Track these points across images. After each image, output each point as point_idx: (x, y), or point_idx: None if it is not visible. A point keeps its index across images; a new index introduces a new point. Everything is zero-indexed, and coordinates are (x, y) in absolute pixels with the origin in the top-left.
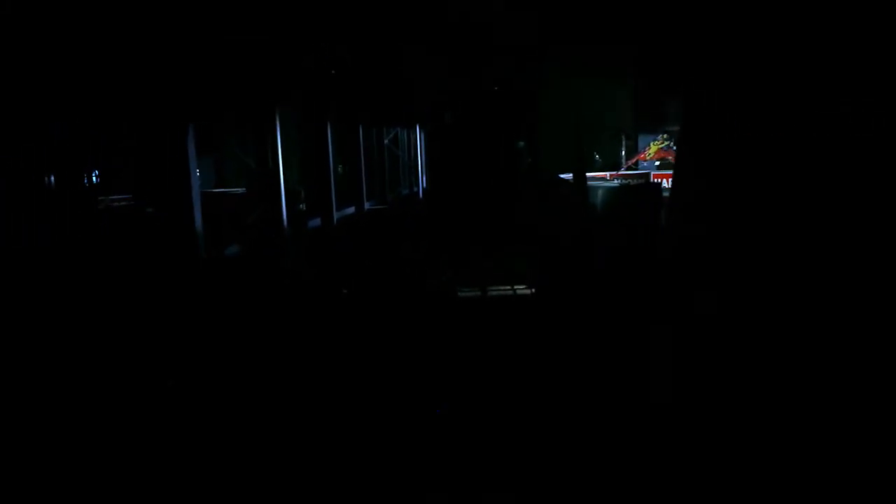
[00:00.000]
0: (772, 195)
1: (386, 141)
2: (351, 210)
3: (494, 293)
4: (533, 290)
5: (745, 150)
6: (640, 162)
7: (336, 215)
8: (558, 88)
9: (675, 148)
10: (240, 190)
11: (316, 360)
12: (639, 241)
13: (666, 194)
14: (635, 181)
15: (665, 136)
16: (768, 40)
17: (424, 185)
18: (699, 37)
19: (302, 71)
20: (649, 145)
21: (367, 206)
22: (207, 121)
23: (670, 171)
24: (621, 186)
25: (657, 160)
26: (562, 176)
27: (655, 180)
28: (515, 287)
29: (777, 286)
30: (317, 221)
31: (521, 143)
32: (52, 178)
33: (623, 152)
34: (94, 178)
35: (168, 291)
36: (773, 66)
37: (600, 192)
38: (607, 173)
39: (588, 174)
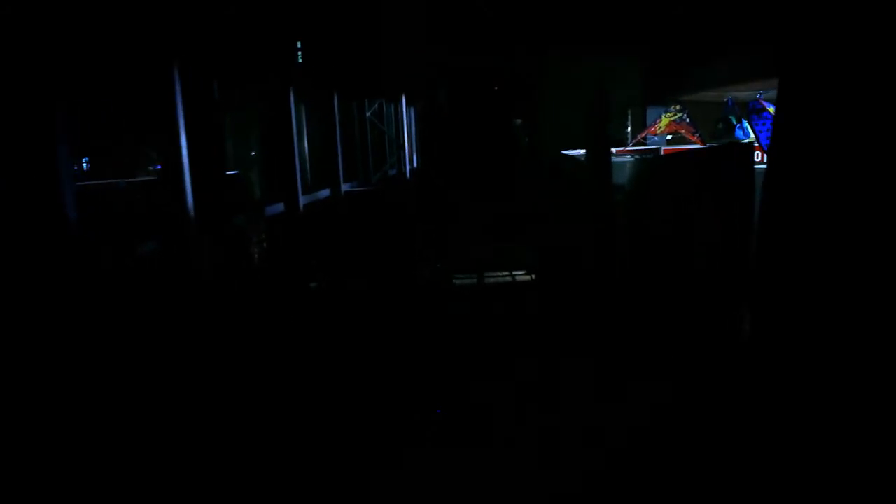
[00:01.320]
0: None
1: (368, 114)
2: (326, 193)
3: (492, 280)
4: (533, 276)
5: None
6: (649, 136)
7: (306, 199)
8: (559, 61)
9: (688, 120)
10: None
11: (253, 371)
12: (715, 235)
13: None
14: (637, 157)
15: (677, 107)
16: None
17: (414, 164)
18: None
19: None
20: (660, 118)
21: (345, 187)
22: (88, 81)
23: (683, 146)
24: (669, 157)
25: (668, 134)
26: (567, 153)
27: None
28: (514, 273)
29: None
30: (279, 207)
31: (519, 121)
32: None
33: (629, 128)
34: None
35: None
36: None
37: (629, 166)
38: (613, 149)
39: (580, 151)
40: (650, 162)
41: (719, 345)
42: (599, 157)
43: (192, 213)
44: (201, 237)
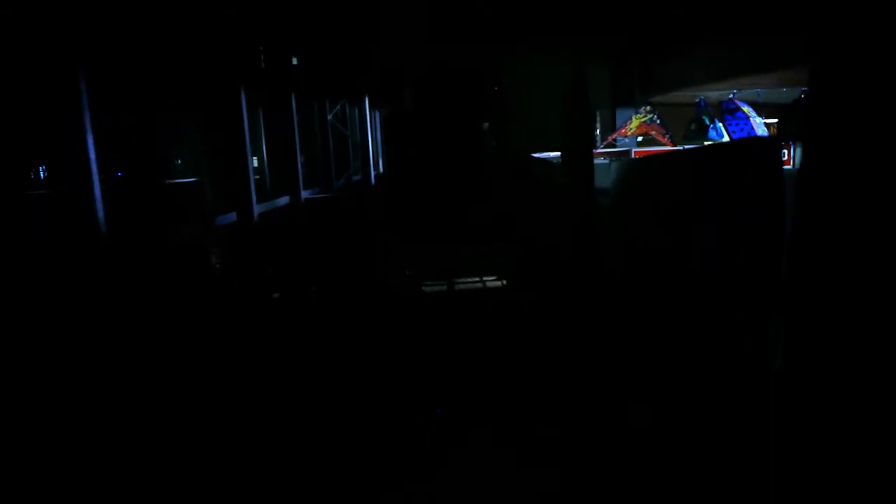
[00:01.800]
0: None
1: (330, 117)
2: (286, 200)
3: (462, 286)
4: (504, 282)
5: None
6: (619, 138)
7: (262, 207)
8: (525, 63)
9: (659, 121)
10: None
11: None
12: (736, 244)
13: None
14: (615, 159)
15: (648, 108)
16: None
17: (380, 169)
18: None
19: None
20: (630, 119)
21: (305, 194)
22: None
23: (654, 148)
24: (669, 157)
25: (639, 135)
26: (538, 156)
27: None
28: (485, 279)
29: None
30: (232, 216)
31: (487, 125)
32: None
33: (598, 130)
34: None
35: None
36: None
37: (616, 167)
38: None
39: (551, 154)
40: (645, 162)
41: (730, 365)
42: (579, 156)
43: (102, 224)
44: (116, 250)
